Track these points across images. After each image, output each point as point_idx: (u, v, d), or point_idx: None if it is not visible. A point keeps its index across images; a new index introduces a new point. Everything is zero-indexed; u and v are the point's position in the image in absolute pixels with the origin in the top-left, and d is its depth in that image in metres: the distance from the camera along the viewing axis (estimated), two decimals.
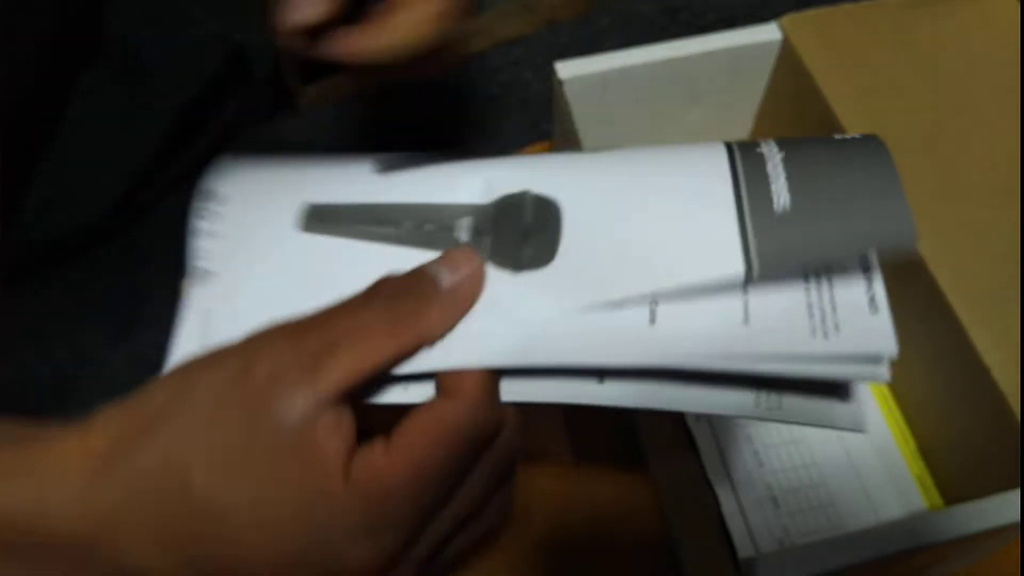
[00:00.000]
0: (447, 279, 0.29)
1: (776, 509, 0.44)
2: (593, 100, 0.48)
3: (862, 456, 0.46)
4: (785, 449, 0.46)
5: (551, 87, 0.48)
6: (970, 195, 0.43)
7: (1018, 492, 0.35)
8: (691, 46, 0.48)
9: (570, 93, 0.47)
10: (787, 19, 0.49)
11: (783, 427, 0.46)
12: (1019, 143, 0.44)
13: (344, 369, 0.26)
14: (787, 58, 0.49)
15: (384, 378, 0.28)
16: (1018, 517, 0.34)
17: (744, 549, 0.34)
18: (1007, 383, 0.38)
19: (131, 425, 0.26)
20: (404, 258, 0.31)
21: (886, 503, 0.45)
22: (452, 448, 0.27)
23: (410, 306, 0.28)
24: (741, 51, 0.49)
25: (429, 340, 0.28)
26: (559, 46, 0.63)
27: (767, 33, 0.49)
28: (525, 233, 0.31)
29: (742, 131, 0.55)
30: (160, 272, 0.48)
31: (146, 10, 0.47)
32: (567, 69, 0.47)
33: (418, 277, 0.29)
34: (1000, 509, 0.34)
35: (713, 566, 0.38)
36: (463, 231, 0.32)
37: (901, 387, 0.47)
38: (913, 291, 0.42)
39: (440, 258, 0.30)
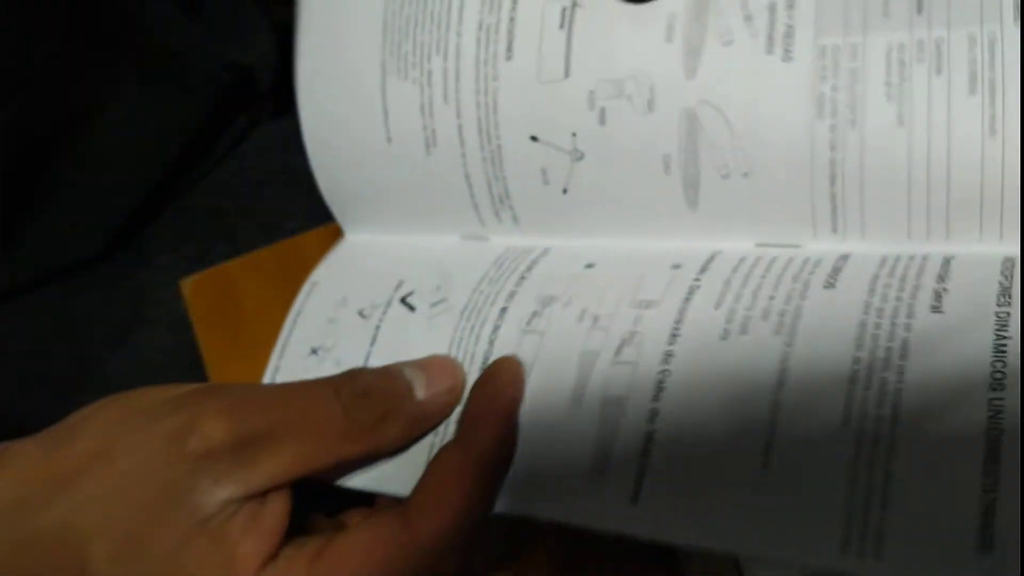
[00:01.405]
0: (422, 391, 0.27)
1: None
2: None
3: None
4: None
5: None
6: None
7: None
8: None
9: None
10: None
11: None
12: (1019, 143, 0.44)
13: (283, 466, 0.24)
14: None
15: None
16: None
17: None
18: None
19: (43, 471, 0.24)
20: None
21: None
22: None
23: (374, 414, 0.26)
24: None
25: (385, 453, 0.26)
26: None
27: None
28: None
29: None
30: (160, 272, 0.48)
31: (160, 33, 0.47)
32: None
33: (392, 380, 0.27)
34: None
35: (713, 565, 0.38)
36: None
37: None
38: None
39: (420, 364, 0.27)
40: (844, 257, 0.25)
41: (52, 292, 0.48)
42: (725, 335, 0.25)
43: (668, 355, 0.25)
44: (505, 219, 0.31)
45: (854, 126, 0.25)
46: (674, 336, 0.25)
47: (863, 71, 0.25)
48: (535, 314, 0.28)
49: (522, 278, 0.29)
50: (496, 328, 0.28)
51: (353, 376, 0.26)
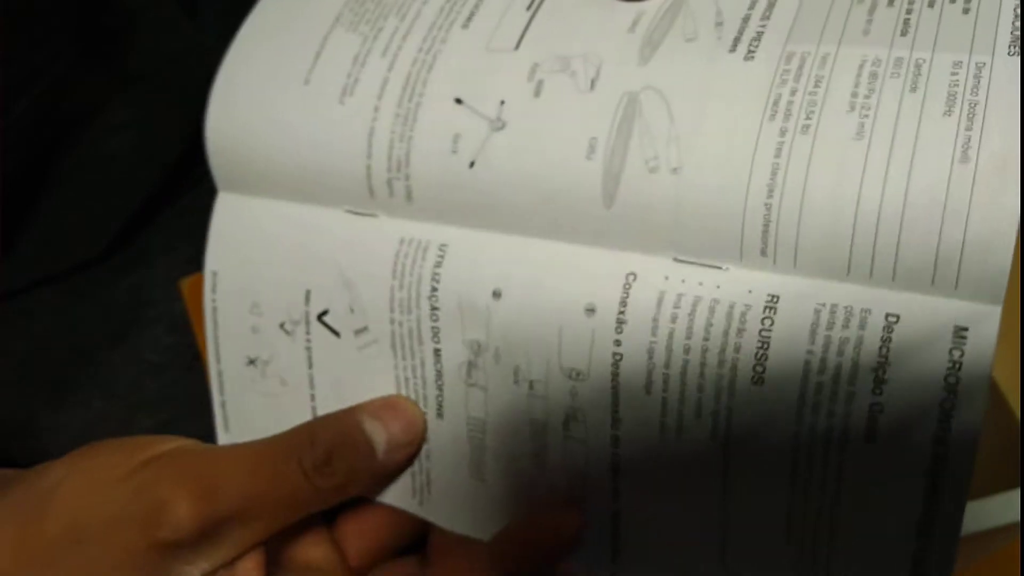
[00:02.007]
0: (383, 449, 0.27)
1: None
2: None
3: None
4: None
5: None
6: None
7: (1018, 492, 0.35)
8: None
9: None
10: None
11: None
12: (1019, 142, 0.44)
13: (250, 539, 0.25)
14: None
15: None
16: (1018, 517, 0.34)
17: None
18: (1007, 383, 0.38)
19: (18, 553, 0.24)
20: None
21: None
22: None
23: (337, 479, 0.26)
24: None
25: (331, 505, 0.27)
26: None
27: None
28: None
29: None
30: (160, 272, 0.48)
31: (158, 44, 0.47)
32: None
33: (353, 441, 0.26)
34: (1000, 509, 0.34)
35: None
36: None
37: None
38: None
39: (378, 414, 0.27)
40: (773, 305, 0.22)
41: (52, 292, 0.48)
42: (662, 428, 0.24)
43: (615, 439, 0.25)
44: (398, 191, 0.28)
45: (807, 132, 0.22)
46: (615, 421, 0.25)
47: (829, 79, 0.23)
48: (471, 365, 0.27)
49: (434, 309, 0.27)
50: (439, 374, 0.28)
51: (313, 441, 0.26)
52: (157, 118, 0.48)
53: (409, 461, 0.28)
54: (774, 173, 0.22)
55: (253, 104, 0.30)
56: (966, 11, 0.23)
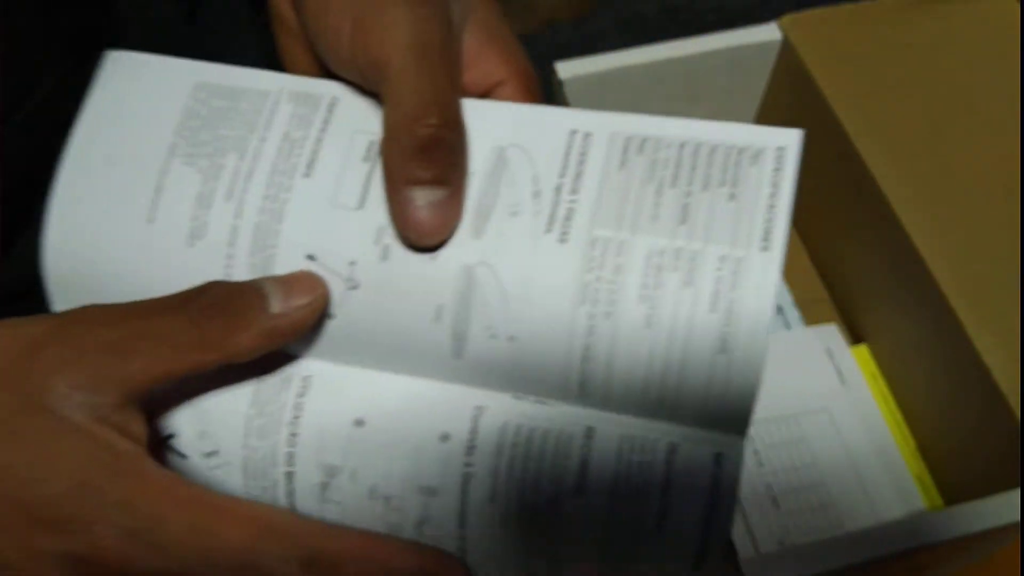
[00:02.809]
0: (277, 304, 0.27)
1: (776, 509, 0.44)
2: (593, 100, 0.48)
3: (862, 456, 0.46)
4: (785, 449, 0.46)
5: (551, 87, 0.48)
6: (970, 195, 0.43)
7: (1018, 492, 0.35)
8: (691, 46, 0.48)
9: (570, 93, 0.47)
10: (787, 19, 0.49)
11: (783, 427, 0.46)
12: (1019, 143, 0.44)
13: (136, 374, 0.25)
14: (787, 58, 0.49)
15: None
16: (1018, 517, 0.34)
17: (744, 549, 0.34)
18: (1007, 383, 0.38)
19: None
20: None
21: (886, 503, 0.45)
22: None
23: (222, 324, 0.26)
24: (741, 51, 0.49)
25: (236, 360, 0.27)
26: (559, 46, 0.63)
27: (767, 33, 0.49)
28: None
29: None
30: None
31: (160, 38, 0.47)
32: (567, 69, 0.47)
33: (244, 293, 0.27)
34: (1000, 509, 0.34)
35: None
36: None
37: (901, 387, 0.48)
38: (913, 291, 0.42)
39: (282, 278, 0.28)
40: (591, 435, 0.28)
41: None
42: (504, 523, 0.28)
43: (462, 538, 0.28)
44: None
45: (609, 318, 0.27)
46: (462, 524, 0.28)
47: (625, 268, 0.27)
48: (325, 485, 0.29)
49: (292, 435, 0.29)
50: (291, 492, 0.29)
51: (204, 289, 0.27)
52: None
53: (305, 326, 0.28)
54: (586, 349, 0.27)
55: (94, 241, 0.30)
56: (732, 197, 0.27)
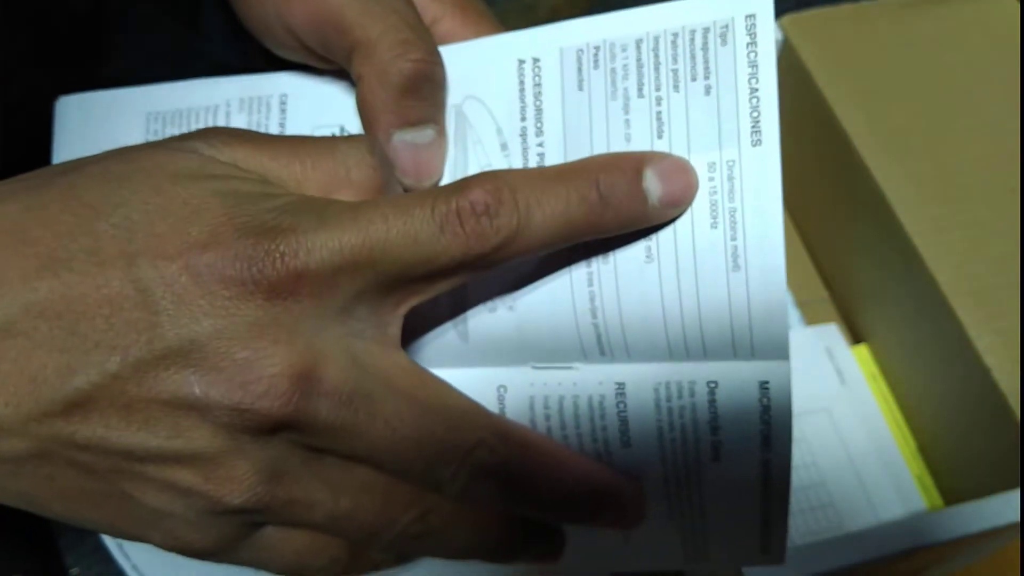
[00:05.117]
0: (656, 191, 0.24)
1: None
2: None
3: (862, 456, 0.46)
4: None
5: None
6: (970, 195, 0.43)
7: (1018, 492, 0.35)
8: None
9: None
10: (787, 19, 0.49)
11: None
12: (1019, 143, 0.44)
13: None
14: (787, 58, 0.49)
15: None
16: (1018, 517, 0.34)
17: None
18: (1007, 383, 0.38)
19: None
20: None
21: (886, 503, 0.45)
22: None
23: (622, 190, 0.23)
24: None
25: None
26: None
27: None
28: None
29: None
30: None
31: (154, 45, 0.47)
32: None
33: (627, 166, 0.24)
34: (1000, 509, 0.34)
35: None
36: None
37: (901, 387, 0.48)
38: (913, 291, 0.42)
39: (649, 157, 0.24)
40: (622, 391, 0.27)
41: None
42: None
43: None
44: None
45: (606, 260, 0.25)
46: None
47: None
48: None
49: None
50: None
51: (591, 160, 0.25)
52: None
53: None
54: (592, 299, 0.26)
55: None
56: (708, 90, 0.24)
